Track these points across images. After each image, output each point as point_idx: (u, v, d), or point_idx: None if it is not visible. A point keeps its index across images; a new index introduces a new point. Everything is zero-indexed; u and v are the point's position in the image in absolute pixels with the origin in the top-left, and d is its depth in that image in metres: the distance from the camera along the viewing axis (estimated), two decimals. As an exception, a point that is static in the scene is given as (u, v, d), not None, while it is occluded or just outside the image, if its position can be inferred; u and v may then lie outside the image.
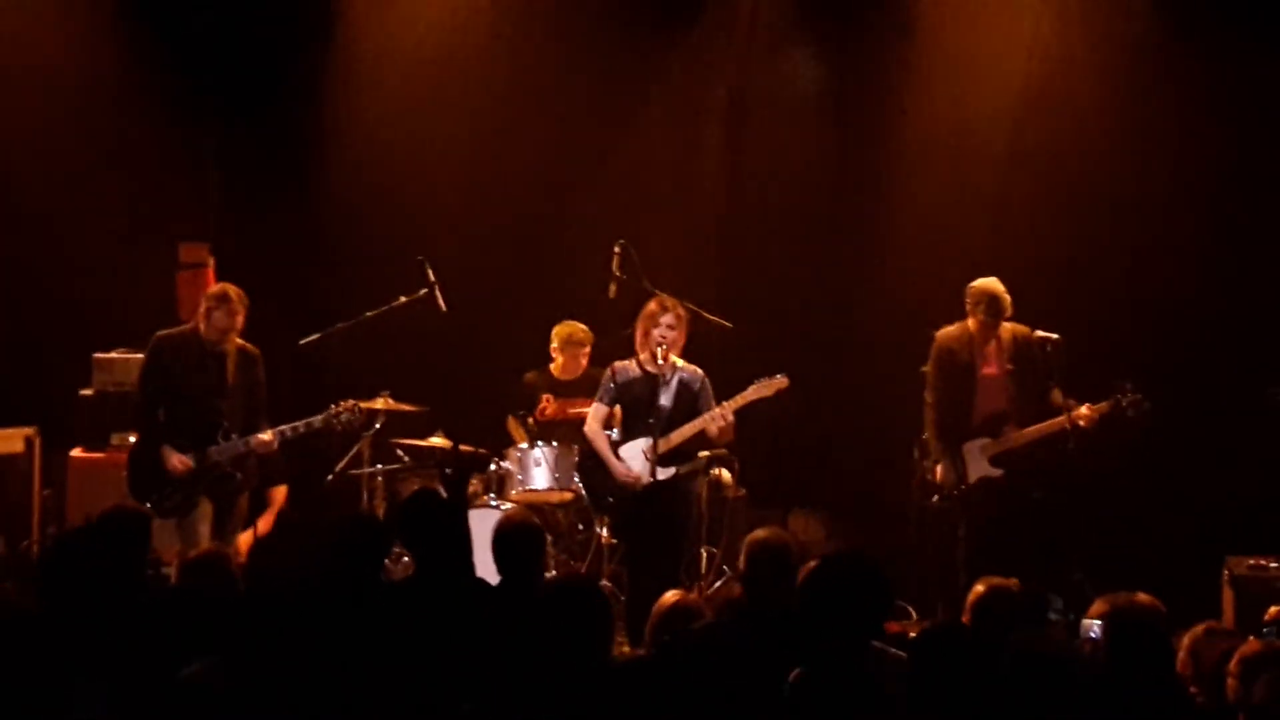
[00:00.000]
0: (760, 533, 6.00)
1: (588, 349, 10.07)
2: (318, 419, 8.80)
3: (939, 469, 9.19)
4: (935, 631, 5.22)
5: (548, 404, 10.06)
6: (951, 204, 10.64)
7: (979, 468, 9.16)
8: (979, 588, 6.07)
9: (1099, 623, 5.51)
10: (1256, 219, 10.24)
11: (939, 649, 5.00)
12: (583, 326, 10.10)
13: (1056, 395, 9.01)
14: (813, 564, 5.44)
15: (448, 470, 6.86)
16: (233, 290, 8.82)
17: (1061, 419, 8.89)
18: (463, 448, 9.18)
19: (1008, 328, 9.14)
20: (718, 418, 8.71)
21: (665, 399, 8.77)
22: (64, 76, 10.88)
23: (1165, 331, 10.23)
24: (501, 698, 4.91)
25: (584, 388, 9.77)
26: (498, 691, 5.01)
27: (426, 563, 6.08)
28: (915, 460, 9.39)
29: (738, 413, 8.81)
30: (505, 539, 6.33)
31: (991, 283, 9.11)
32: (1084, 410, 8.91)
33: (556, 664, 4.91)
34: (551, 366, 10.22)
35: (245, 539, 8.90)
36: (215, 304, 8.77)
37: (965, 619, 5.92)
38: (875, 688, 5.00)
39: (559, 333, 10.14)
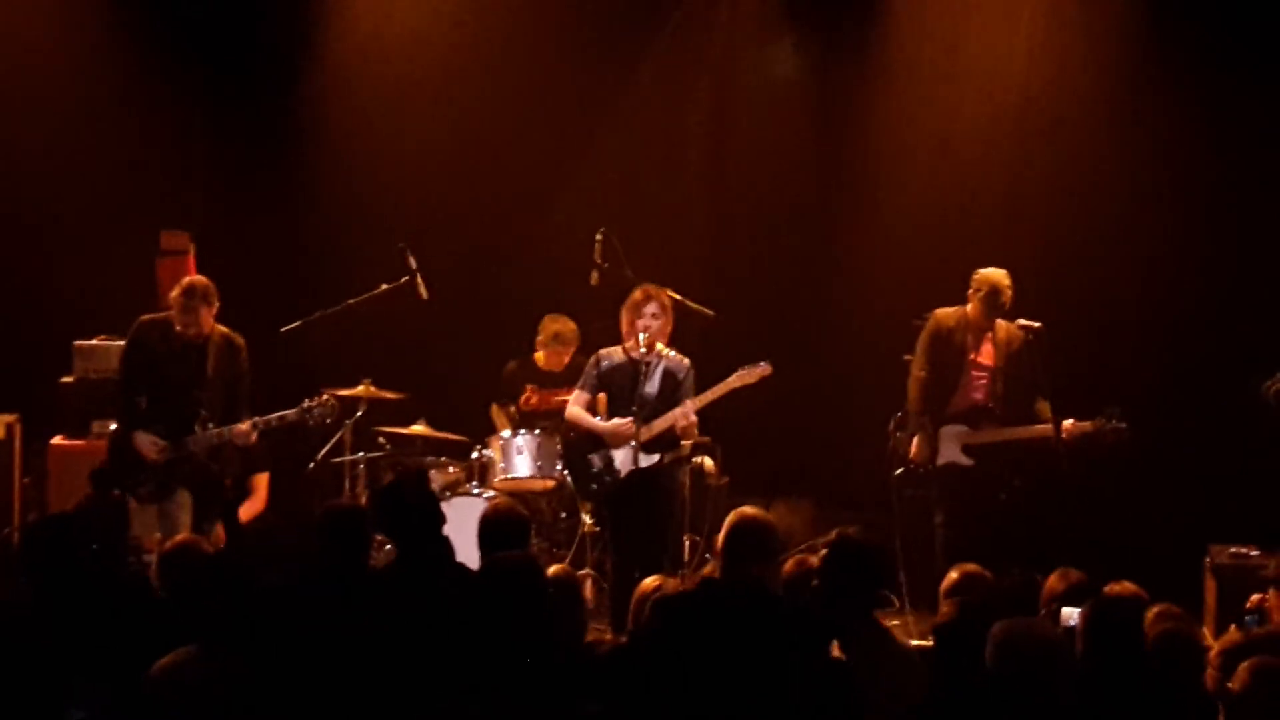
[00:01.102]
0: (744, 510, 6.03)
1: (573, 349, 10.05)
2: (291, 412, 8.74)
3: (915, 442, 9.18)
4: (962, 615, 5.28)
5: (532, 394, 10.04)
6: (935, 194, 10.64)
7: (950, 452, 9.15)
8: (952, 574, 6.11)
9: (1078, 611, 5.52)
10: (1246, 217, 10.24)
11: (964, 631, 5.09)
12: (572, 326, 10.07)
13: (1044, 408, 8.98)
14: (833, 542, 5.67)
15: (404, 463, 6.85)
16: (198, 285, 8.69)
17: (1045, 427, 8.87)
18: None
19: (1004, 325, 9.12)
20: (687, 413, 8.68)
21: (650, 387, 8.75)
22: (46, 64, 10.85)
23: (1148, 324, 10.25)
24: (478, 685, 4.90)
25: (568, 379, 9.74)
26: (477, 679, 5.00)
27: (406, 550, 6.09)
28: (889, 431, 9.37)
29: (720, 400, 8.81)
30: (490, 528, 6.35)
31: (998, 274, 9.08)
32: (1067, 425, 8.90)
33: (510, 644, 4.90)
34: (535, 357, 10.20)
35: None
36: (176, 301, 8.71)
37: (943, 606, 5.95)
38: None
39: (546, 327, 10.11)
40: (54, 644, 5.52)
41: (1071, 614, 5.69)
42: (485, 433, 9.95)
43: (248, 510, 9.69)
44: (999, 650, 5.02)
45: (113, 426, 8.98)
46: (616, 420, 8.76)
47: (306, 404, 8.76)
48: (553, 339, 10.07)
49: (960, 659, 5.08)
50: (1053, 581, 6.24)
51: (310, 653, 5.40)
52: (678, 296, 9.09)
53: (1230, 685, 5.03)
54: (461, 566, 6.06)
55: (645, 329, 8.68)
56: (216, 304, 8.73)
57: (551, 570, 6.16)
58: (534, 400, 10.02)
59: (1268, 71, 10.03)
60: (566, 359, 10.05)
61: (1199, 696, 5.23)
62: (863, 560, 5.66)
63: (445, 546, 6.08)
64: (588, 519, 9.42)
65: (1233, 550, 8.92)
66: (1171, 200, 10.28)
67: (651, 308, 8.72)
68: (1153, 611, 5.63)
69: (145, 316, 8.96)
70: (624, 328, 8.84)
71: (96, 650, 5.52)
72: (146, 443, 8.65)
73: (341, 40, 11.14)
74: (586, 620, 6.35)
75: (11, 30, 10.82)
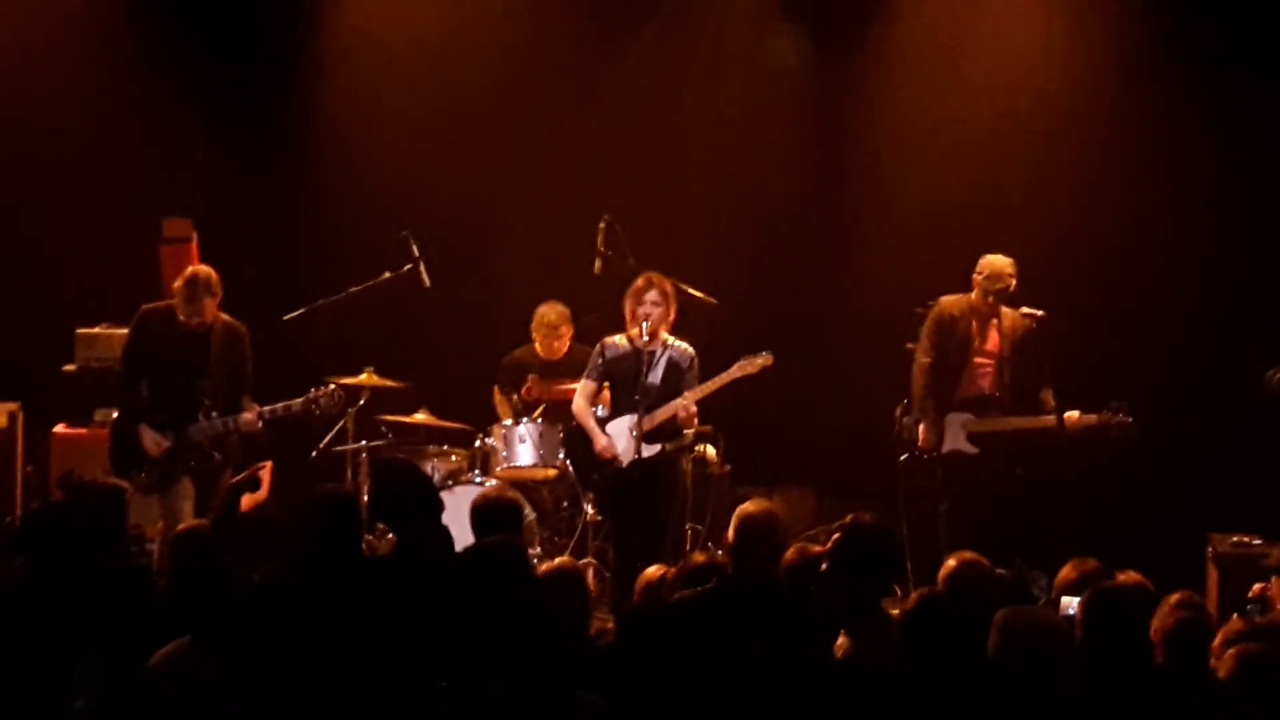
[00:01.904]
0: (749, 506, 6.03)
1: (562, 330, 10.01)
2: (297, 403, 8.74)
3: (921, 429, 9.17)
4: (922, 603, 5.26)
5: (533, 385, 10.03)
6: (937, 183, 10.62)
7: (955, 439, 9.13)
8: (950, 562, 6.08)
9: (1077, 600, 5.51)
10: (1248, 215, 10.24)
11: (925, 619, 5.06)
12: (559, 308, 10.03)
13: (1049, 397, 8.98)
14: (845, 526, 5.58)
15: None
16: (201, 275, 8.67)
17: (1049, 418, 8.87)
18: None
19: (1009, 313, 9.10)
20: (688, 404, 8.68)
21: (654, 376, 8.75)
22: (47, 51, 10.84)
23: (1150, 316, 10.24)
24: (475, 675, 4.89)
25: (570, 368, 9.72)
26: (474, 668, 5.00)
27: (404, 539, 6.08)
28: (896, 417, 9.37)
29: (722, 389, 8.81)
30: (482, 515, 6.35)
31: (1001, 260, 9.06)
32: (1073, 416, 8.89)
33: (499, 630, 4.90)
34: (534, 346, 10.19)
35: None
36: (178, 291, 8.70)
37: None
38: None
39: (536, 314, 10.10)
40: (52, 632, 5.52)
41: (1071, 603, 5.67)
42: (487, 421, 9.95)
43: (249, 499, 9.69)
44: (1001, 637, 5.01)
45: (115, 415, 8.98)
46: (615, 427, 8.78)
47: (312, 393, 8.76)
48: (539, 324, 10.04)
49: (922, 649, 5.05)
50: (1066, 571, 6.22)
51: (306, 642, 5.39)
52: (680, 284, 9.08)
53: (1218, 672, 5.02)
54: (458, 555, 6.06)
55: (646, 316, 8.69)
56: (219, 293, 8.72)
57: (555, 563, 6.16)
58: (535, 392, 10.01)
59: (1269, 71, 10.01)
60: (563, 345, 10.04)
61: (1209, 687, 5.20)
62: (876, 546, 5.55)
63: (444, 535, 6.07)
64: (589, 508, 9.42)
65: (1234, 539, 8.91)
66: (1173, 196, 10.27)
67: (653, 294, 8.73)
68: (1172, 600, 5.59)
69: (147, 305, 8.96)
70: (627, 315, 8.84)
71: (94, 640, 5.52)
72: (150, 439, 8.65)
73: (343, 27, 11.13)
74: (591, 613, 6.35)
75: (12, 20, 10.81)
